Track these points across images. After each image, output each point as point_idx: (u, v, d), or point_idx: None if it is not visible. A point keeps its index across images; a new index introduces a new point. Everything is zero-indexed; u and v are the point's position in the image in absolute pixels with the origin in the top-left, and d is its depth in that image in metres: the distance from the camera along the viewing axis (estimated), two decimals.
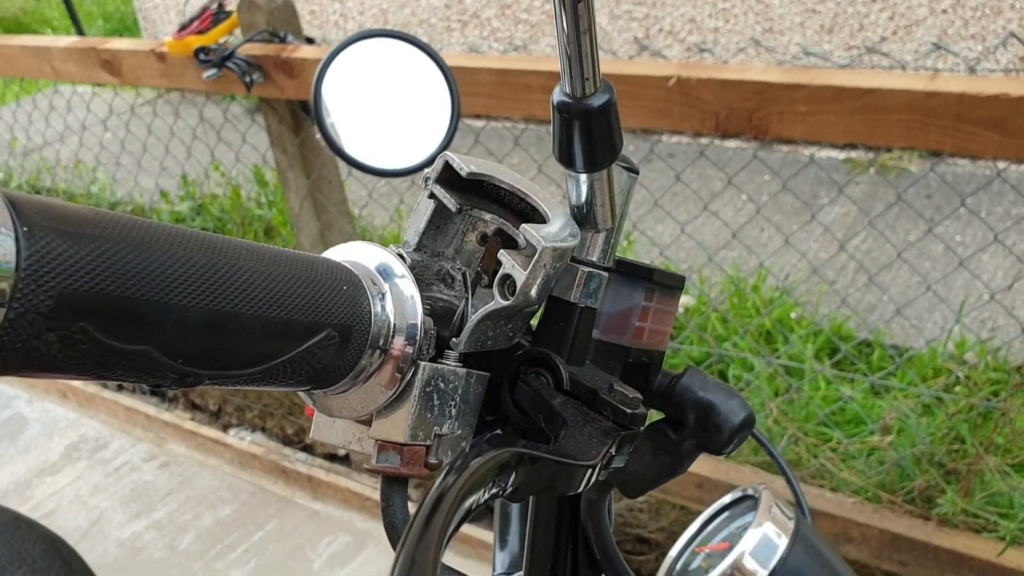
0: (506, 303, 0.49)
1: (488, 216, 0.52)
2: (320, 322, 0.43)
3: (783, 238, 2.71)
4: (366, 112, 1.01)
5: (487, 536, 2.38)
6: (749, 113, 1.51)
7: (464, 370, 0.49)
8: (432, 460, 0.48)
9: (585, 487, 0.50)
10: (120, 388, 3.34)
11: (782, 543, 0.68)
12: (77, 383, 3.20)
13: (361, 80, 1.01)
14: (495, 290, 0.49)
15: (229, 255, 0.39)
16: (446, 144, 1.01)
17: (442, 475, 0.40)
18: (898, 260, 2.60)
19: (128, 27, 7.88)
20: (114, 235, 0.35)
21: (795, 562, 0.67)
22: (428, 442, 0.48)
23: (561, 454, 0.47)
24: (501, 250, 0.49)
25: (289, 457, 2.81)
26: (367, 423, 0.49)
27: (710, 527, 0.77)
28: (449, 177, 0.52)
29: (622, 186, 0.53)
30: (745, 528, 0.70)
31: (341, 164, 2.52)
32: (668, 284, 0.57)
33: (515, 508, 0.91)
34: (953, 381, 1.95)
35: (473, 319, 0.49)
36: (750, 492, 0.75)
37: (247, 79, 2.10)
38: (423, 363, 0.47)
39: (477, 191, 0.53)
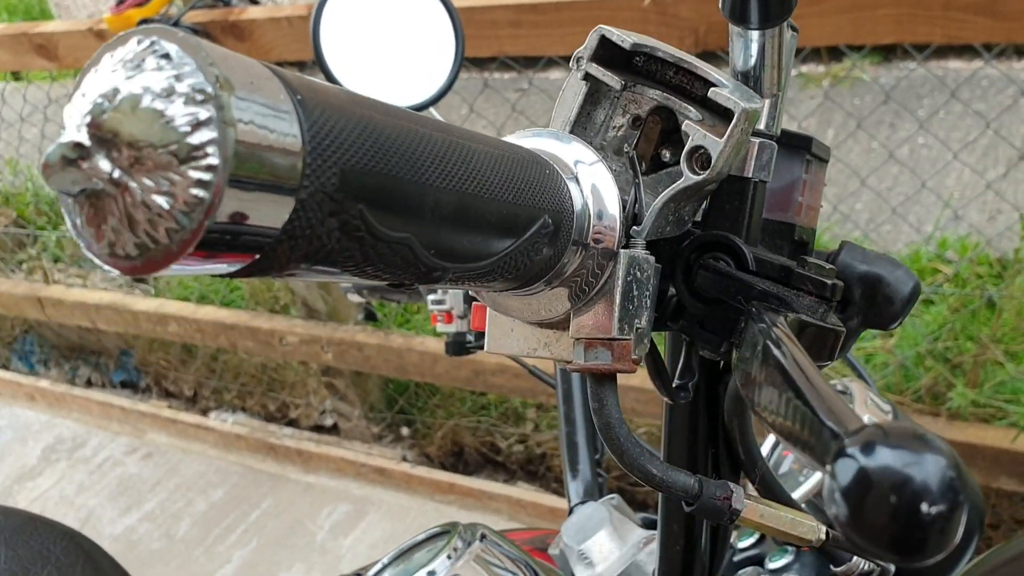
0: (699, 178, 0.45)
1: (652, 93, 0.49)
2: (539, 208, 0.40)
3: None
4: (366, 50, 0.96)
5: (490, 487, 2.36)
6: (728, 27, 1.48)
7: (653, 258, 0.46)
8: (634, 356, 0.45)
9: (837, 357, 0.47)
10: (89, 384, 3.25)
11: None
12: (44, 382, 3.11)
13: (359, 18, 0.96)
14: (683, 165, 0.46)
15: (454, 134, 0.36)
16: (451, 80, 0.97)
17: (759, 359, 0.35)
18: (863, 169, 2.61)
19: (35, 17, 7.56)
20: (367, 109, 0.31)
21: None
22: (630, 336, 0.45)
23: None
24: (687, 121, 0.46)
25: (275, 433, 2.76)
26: (557, 326, 0.47)
27: None
28: (603, 54, 0.48)
29: (788, 46, 0.50)
30: None
31: None
32: (821, 156, 0.55)
33: (583, 434, 0.89)
34: (940, 281, 1.97)
35: (658, 202, 0.46)
36: (838, 387, 0.73)
37: None
38: (623, 252, 0.44)
39: (631, 68, 0.50)
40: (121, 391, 3.20)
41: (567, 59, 0.51)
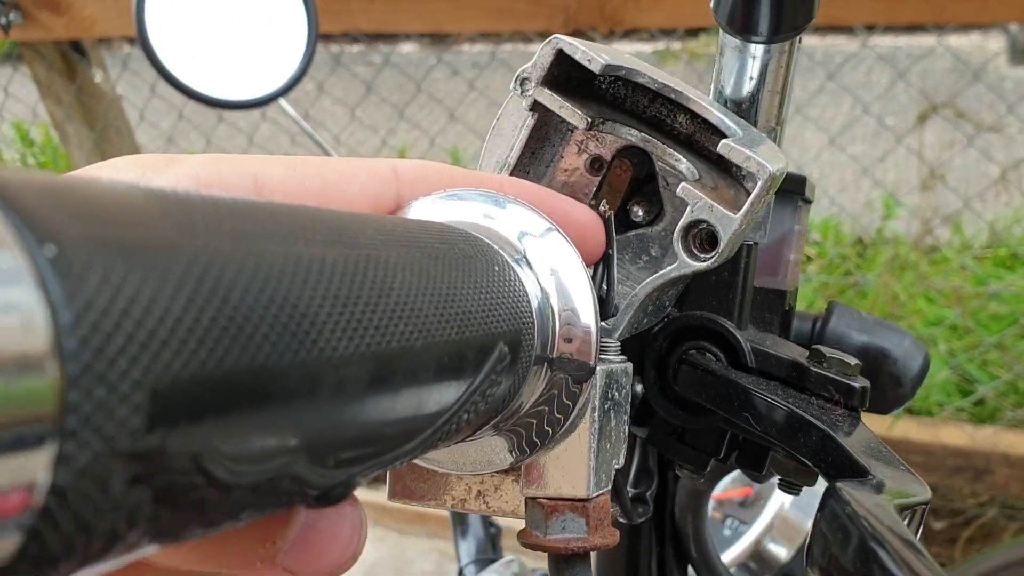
0: (700, 265, 0.33)
1: (627, 132, 0.36)
2: (492, 333, 0.25)
3: None
4: (202, 31, 0.81)
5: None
6: (601, 5, 1.40)
7: (631, 365, 0.32)
8: (615, 510, 0.33)
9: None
10: None
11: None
12: None
13: None
14: (677, 245, 0.34)
15: (359, 241, 0.21)
16: (305, 66, 0.84)
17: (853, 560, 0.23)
18: None
19: None
20: (202, 238, 0.16)
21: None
22: (609, 486, 0.31)
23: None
24: (683, 184, 0.34)
25: None
26: (505, 471, 0.32)
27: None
28: (559, 75, 0.36)
29: (794, 66, 0.39)
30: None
31: (129, 108, 2.23)
32: (809, 198, 0.45)
33: None
34: (809, 268, 1.96)
35: (641, 291, 0.33)
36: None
37: (2, 20, 1.79)
38: (599, 368, 0.30)
39: (592, 92, 0.38)
40: None
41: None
